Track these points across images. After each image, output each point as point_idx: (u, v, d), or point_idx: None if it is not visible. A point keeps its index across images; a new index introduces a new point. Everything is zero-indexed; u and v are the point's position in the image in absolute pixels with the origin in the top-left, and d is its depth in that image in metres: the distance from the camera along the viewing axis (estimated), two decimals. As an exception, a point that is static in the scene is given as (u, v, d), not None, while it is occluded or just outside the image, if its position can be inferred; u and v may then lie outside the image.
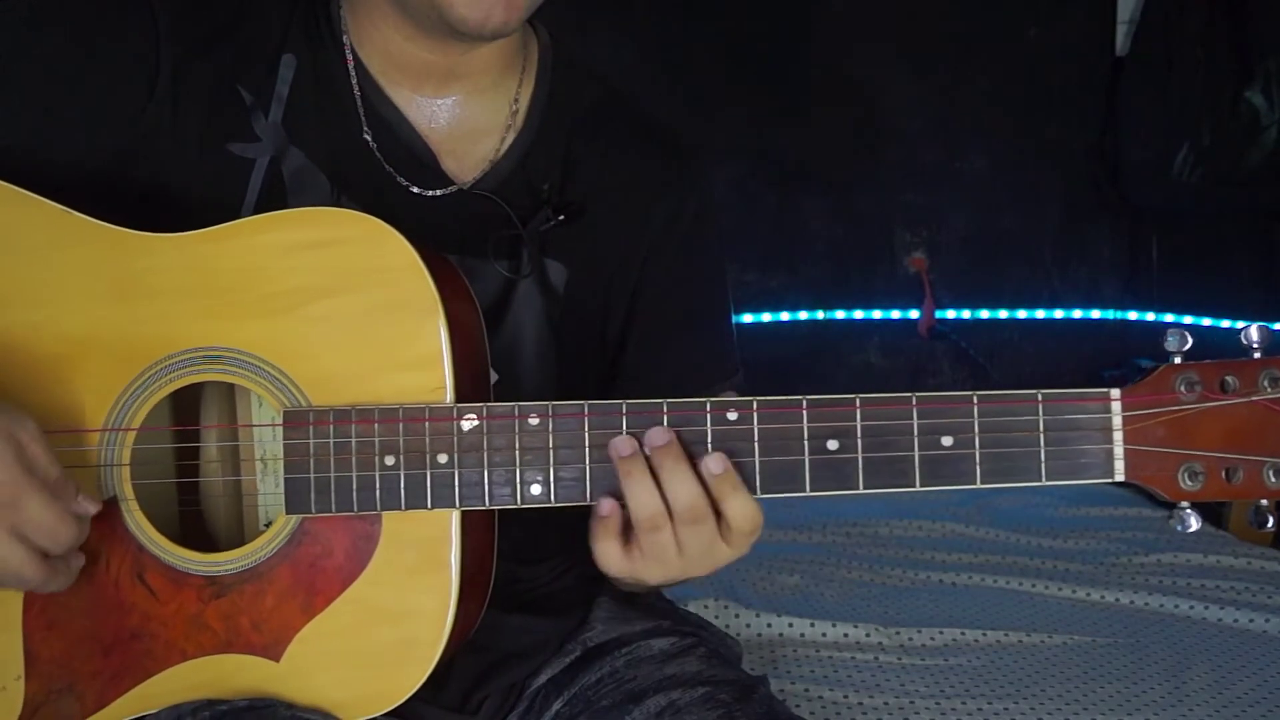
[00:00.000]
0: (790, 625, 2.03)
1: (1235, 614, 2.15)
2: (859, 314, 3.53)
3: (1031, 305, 3.60)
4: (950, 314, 3.55)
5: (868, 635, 2.02)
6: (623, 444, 1.02)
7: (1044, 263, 3.62)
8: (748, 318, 3.41)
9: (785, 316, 3.47)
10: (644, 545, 1.03)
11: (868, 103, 3.51)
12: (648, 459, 1.02)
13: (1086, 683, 1.86)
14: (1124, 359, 3.55)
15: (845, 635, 2.02)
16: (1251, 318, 3.66)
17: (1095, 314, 3.64)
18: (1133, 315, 3.64)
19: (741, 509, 1.02)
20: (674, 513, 1.02)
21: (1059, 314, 3.62)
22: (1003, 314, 3.59)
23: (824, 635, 2.02)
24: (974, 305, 3.58)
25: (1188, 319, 3.57)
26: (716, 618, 2.02)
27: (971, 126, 3.55)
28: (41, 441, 1.00)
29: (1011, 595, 2.26)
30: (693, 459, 1.02)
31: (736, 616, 2.03)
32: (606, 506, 1.03)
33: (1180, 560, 2.41)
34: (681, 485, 1.01)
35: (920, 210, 3.56)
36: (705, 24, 3.41)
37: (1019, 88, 3.55)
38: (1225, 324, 3.51)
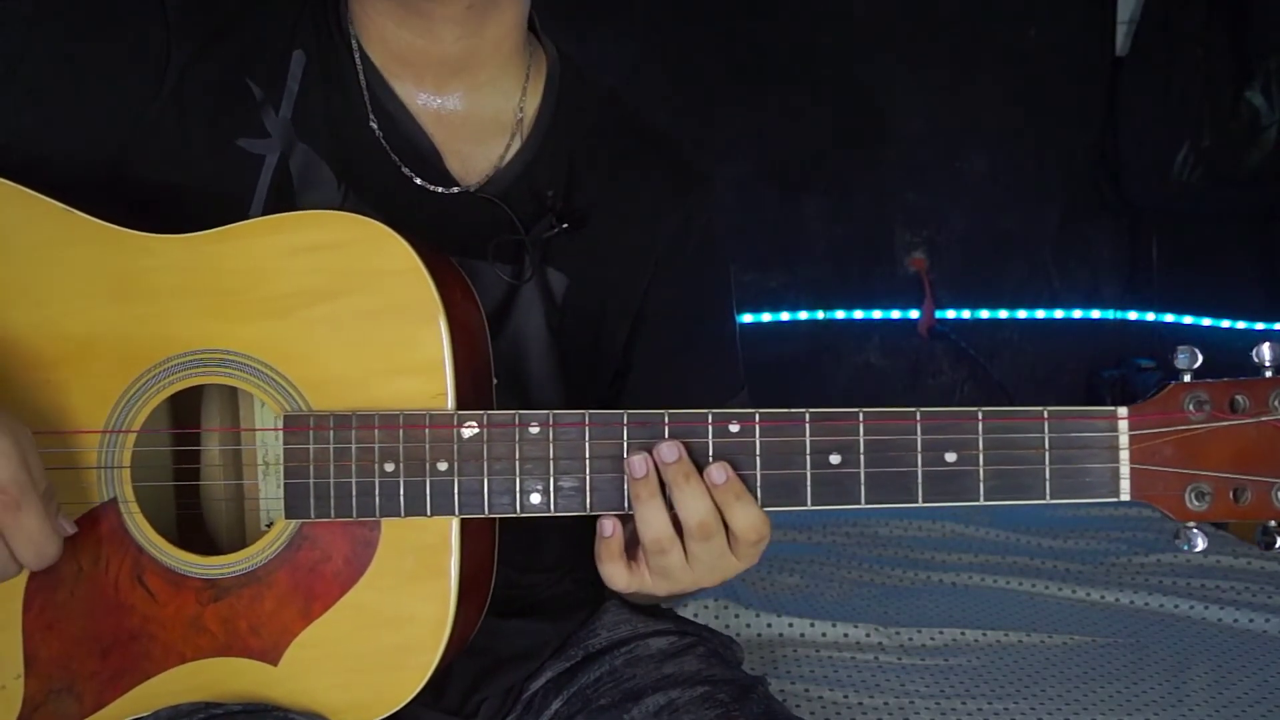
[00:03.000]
0: (790, 625, 2.03)
1: (1235, 614, 2.15)
2: (859, 314, 3.54)
3: (1031, 305, 3.61)
4: (950, 314, 3.55)
5: (868, 635, 2.02)
6: (638, 464, 1.01)
7: (1044, 263, 3.63)
8: (748, 318, 3.41)
9: (785, 316, 3.47)
10: (651, 565, 1.03)
11: (868, 103, 3.51)
12: (659, 476, 1.02)
13: (1086, 683, 1.86)
14: (1124, 359, 3.56)
15: (845, 635, 2.02)
16: (1251, 318, 3.68)
17: (1095, 314, 3.64)
18: (1133, 315, 3.64)
19: (746, 519, 1.02)
20: (685, 529, 1.01)
21: (1059, 314, 3.62)
22: (1003, 314, 3.59)
23: (824, 635, 2.02)
24: (974, 305, 3.58)
25: (1188, 319, 3.58)
26: (716, 618, 2.02)
27: (971, 126, 3.55)
28: (36, 452, 0.99)
29: (1011, 595, 2.27)
30: (700, 471, 1.02)
31: (736, 616, 2.03)
32: (609, 527, 1.02)
33: (1180, 560, 2.41)
34: (692, 501, 1.01)
35: (920, 210, 3.56)
36: (705, 24, 3.41)
37: (1019, 88, 3.55)
38: (1225, 324, 3.52)
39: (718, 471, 1.01)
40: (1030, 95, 3.56)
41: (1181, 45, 3.32)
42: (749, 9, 3.44)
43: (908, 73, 3.51)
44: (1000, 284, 3.60)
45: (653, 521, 1.01)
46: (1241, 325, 3.50)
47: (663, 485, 1.02)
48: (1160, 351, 3.54)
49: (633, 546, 1.04)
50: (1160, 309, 3.61)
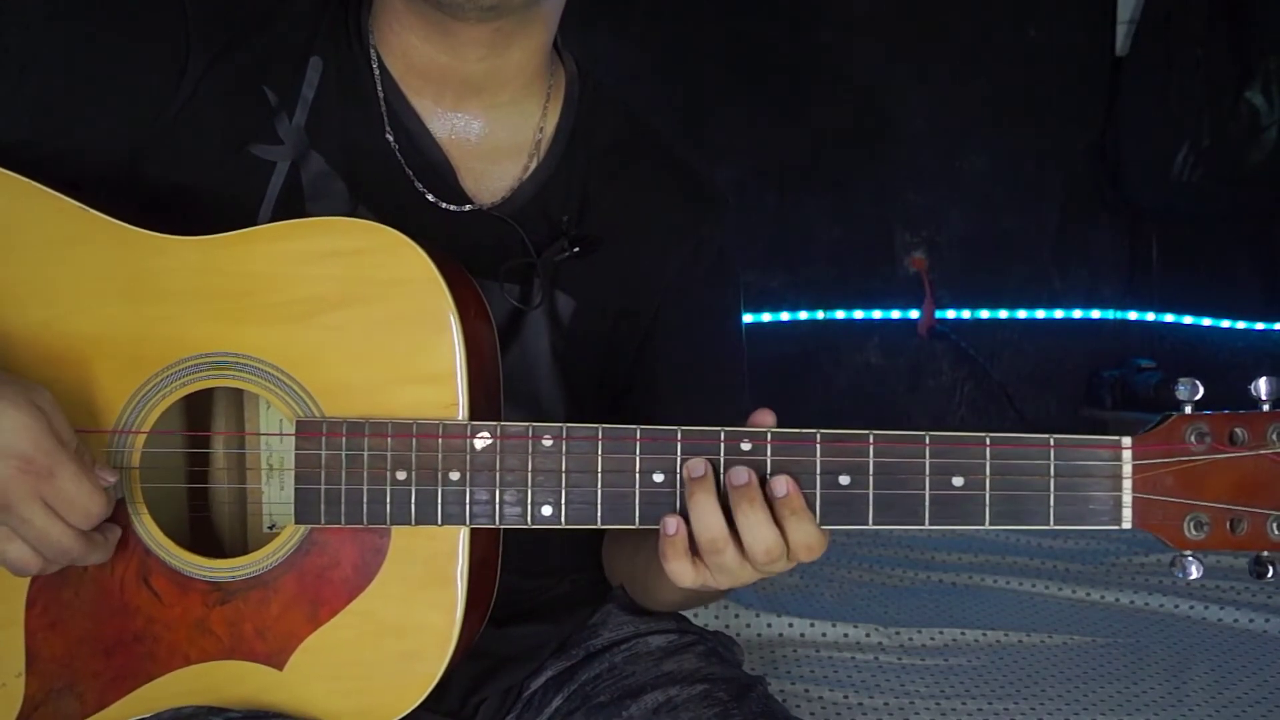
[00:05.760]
0: (790, 625, 2.04)
1: (1235, 614, 2.16)
2: (859, 314, 3.53)
3: (1031, 305, 3.60)
4: (950, 314, 3.55)
5: (868, 635, 2.03)
6: (695, 466, 1.02)
7: (1044, 263, 3.62)
8: (748, 318, 3.40)
9: (785, 316, 3.46)
10: (708, 563, 1.03)
11: (868, 103, 3.50)
12: (725, 493, 1.02)
13: (1086, 683, 1.87)
14: (1124, 359, 3.56)
15: (845, 635, 2.03)
16: (1252, 318, 3.67)
17: (1095, 314, 3.64)
18: (1133, 315, 3.64)
19: (804, 535, 1.01)
20: (749, 553, 1.01)
21: (1059, 314, 3.62)
22: (1003, 314, 3.59)
23: (824, 635, 2.03)
24: (974, 305, 3.57)
25: (1187, 319, 3.58)
26: (716, 617, 2.03)
27: (971, 126, 3.55)
28: (60, 411, 1.00)
29: (1011, 595, 2.28)
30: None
31: (736, 616, 2.04)
32: (673, 525, 1.02)
33: (1180, 560, 2.41)
34: (758, 528, 1.01)
35: (920, 210, 3.55)
36: (705, 24, 3.40)
37: (1019, 88, 3.55)
38: (1225, 324, 3.52)
39: (779, 485, 1.01)
40: (1030, 95, 3.56)
41: (1181, 45, 3.31)
42: (749, 9, 3.43)
43: (908, 73, 3.50)
44: (1000, 284, 3.60)
45: (709, 523, 1.01)
46: (1241, 325, 3.50)
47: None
48: (1160, 352, 3.55)
49: (694, 544, 1.04)
50: (1160, 309, 3.62)
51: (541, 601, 1.32)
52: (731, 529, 1.01)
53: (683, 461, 1.03)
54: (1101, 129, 3.55)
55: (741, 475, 1.01)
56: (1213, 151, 3.29)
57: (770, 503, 1.01)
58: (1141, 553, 2.47)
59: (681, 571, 1.03)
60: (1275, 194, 3.33)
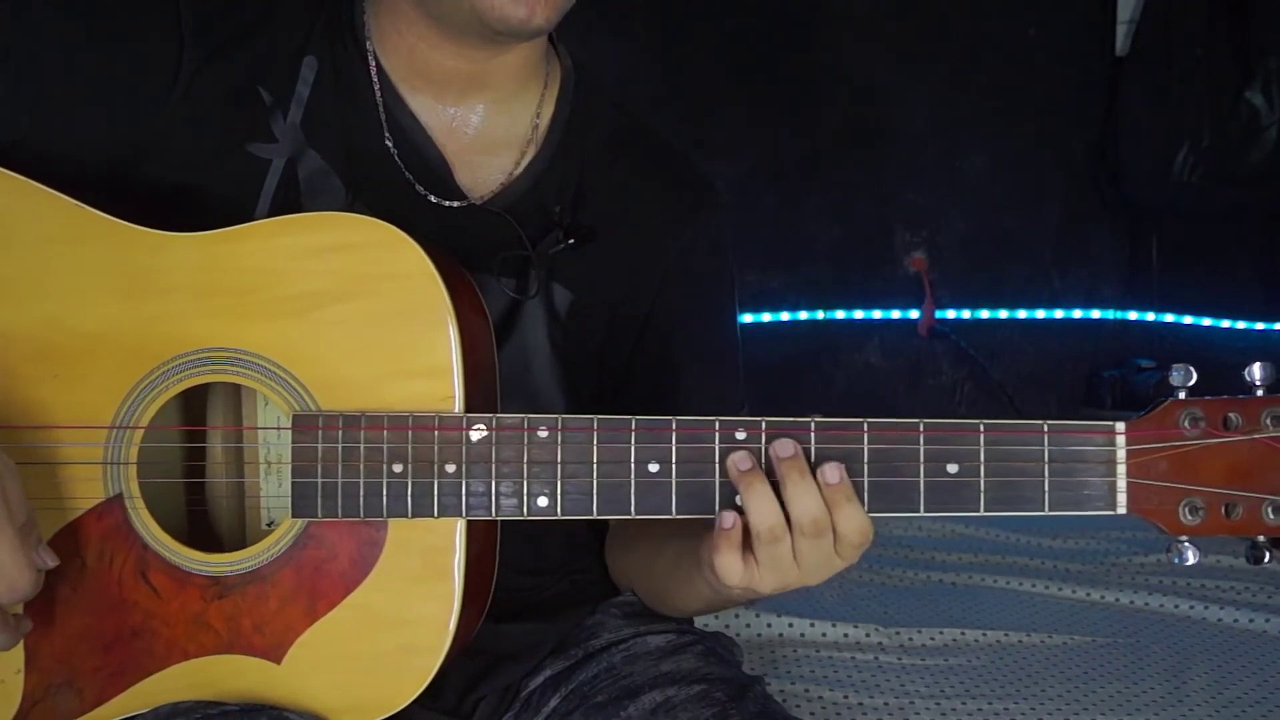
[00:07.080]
0: (790, 625, 2.03)
1: (1235, 614, 2.15)
2: (859, 314, 3.54)
3: (1031, 305, 3.61)
4: (950, 314, 3.56)
5: (868, 635, 2.02)
6: (742, 458, 1.02)
7: (1044, 263, 3.63)
8: (748, 318, 3.41)
9: (785, 316, 3.47)
10: (762, 557, 1.02)
11: (868, 103, 3.51)
12: (769, 470, 1.02)
13: (1086, 683, 1.86)
14: (1124, 359, 3.56)
15: (845, 635, 2.02)
16: (1251, 318, 3.67)
17: (1095, 314, 3.64)
18: (1133, 315, 3.65)
19: (853, 521, 1.01)
20: (796, 526, 1.01)
21: (1059, 314, 3.62)
22: (1003, 314, 3.60)
23: (824, 635, 2.02)
24: (974, 305, 3.58)
25: (1187, 319, 3.58)
26: (716, 617, 2.02)
27: (971, 126, 3.55)
28: (18, 481, 0.99)
29: (1011, 595, 2.27)
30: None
31: (736, 616, 2.03)
32: (729, 519, 1.02)
33: (1179, 560, 2.41)
34: (805, 498, 1.00)
35: (920, 210, 3.56)
36: (705, 24, 3.41)
37: (1019, 88, 3.55)
38: (1225, 324, 3.52)
39: (831, 471, 1.01)
40: (1030, 95, 3.56)
41: (1181, 45, 3.32)
42: (749, 9, 3.44)
43: (908, 73, 3.51)
44: (1000, 284, 3.61)
45: (766, 511, 1.01)
46: (1241, 325, 3.50)
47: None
48: (1160, 351, 3.55)
49: (746, 540, 1.03)
50: (1160, 309, 3.62)
51: (540, 599, 1.32)
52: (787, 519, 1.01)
53: (678, 451, 1.03)
54: (1101, 129, 3.55)
55: (788, 447, 1.01)
56: (1213, 151, 3.29)
57: (820, 489, 1.01)
58: (1141, 553, 2.47)
59: (731, 566, 1.02)
60: (1275, 194, 3.33)
